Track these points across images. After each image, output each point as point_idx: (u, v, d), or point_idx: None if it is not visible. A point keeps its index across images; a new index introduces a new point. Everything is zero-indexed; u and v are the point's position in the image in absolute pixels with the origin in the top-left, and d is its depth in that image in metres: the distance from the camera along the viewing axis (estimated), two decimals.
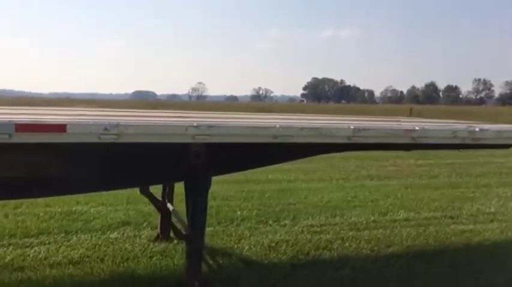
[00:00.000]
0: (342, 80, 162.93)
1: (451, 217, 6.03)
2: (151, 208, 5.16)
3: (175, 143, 2.89)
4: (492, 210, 6.47)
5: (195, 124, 2.89)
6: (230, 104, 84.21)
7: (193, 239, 3.32)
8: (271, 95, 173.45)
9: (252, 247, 4.51)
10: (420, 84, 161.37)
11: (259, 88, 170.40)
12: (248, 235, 4.85)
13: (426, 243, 4.88)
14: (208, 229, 5.02)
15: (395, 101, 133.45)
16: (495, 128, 3.78)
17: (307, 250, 4.51)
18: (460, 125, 3.91)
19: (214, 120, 3.39)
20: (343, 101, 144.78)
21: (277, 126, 3.08)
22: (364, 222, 5.65)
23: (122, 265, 4.01)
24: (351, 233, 5.13)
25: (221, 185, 7.54)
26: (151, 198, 4.64)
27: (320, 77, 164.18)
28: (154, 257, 4.16)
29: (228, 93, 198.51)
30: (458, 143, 3.62)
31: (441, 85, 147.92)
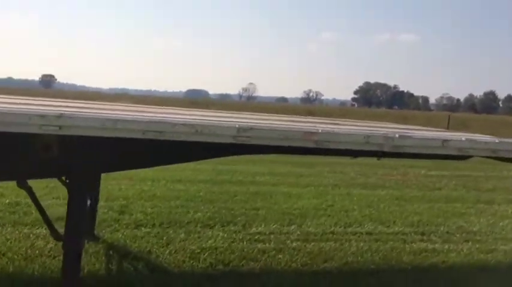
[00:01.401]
0: (395, 85, 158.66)
1: (422, 234, 5.48)
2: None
3: (23, 134, 2.67)
4: (475, 229, 5.84)
5: (42, 113, 2.66)
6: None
7: (69, 241, 3.09)
8: (322, 97, 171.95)
9: (174, 252, 4.22)
10: (479, 93, 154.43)
11: (310, 90, 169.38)
12: (179, 240, 4.57)
13: (369, 261, 4.42)
14: (144, 231, 4.84)
15: (451, 108, 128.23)
16: (420, 135, 3.31)
17: (231, 259, 4.17)
18: (384, 131, 3.46)
19: (81, 110, 3.12)
20: (395, 107, 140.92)
21: (146, 120, 2.80)
22: (320, 233, 5.23)
23: None
24: (294, 244, 4.73)
25: (196, 185, 7.33)
26: (30, 193, 4.31)
27: (372, 81, 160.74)
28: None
29: (279, 95, 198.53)
30: (374, 149, 3.19)
31: (501, 94, 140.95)
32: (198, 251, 4.28)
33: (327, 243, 4.86)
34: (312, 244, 4.81)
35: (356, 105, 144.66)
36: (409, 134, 3.26)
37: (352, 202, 6.96)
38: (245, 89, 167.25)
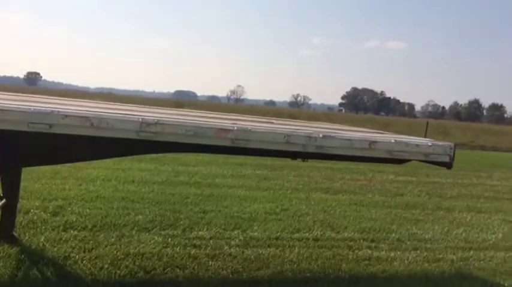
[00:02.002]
0: (382, 92, 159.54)
1: (372, 241, 5.28)
2: None
3: None
4: (428, 236, 5.65)
5: None
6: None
7: None
8: (310, 102, 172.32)
9: (95, 258, 3.94)
10: (463, 101, 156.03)
11: (298, 95, 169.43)
12: (105, 245, 4.29)
13: (305, 269, 4.19)
14: (72, 234, 4.56)
15: (436, 116, 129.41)
16: (345, 136, 3.10)
17: (156, 266, 3.92)
18: (306, 130, 3.24)
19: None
20: (382, 113, 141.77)
21: (32, 111, 2.53)
22: (264, 238, 5.00)
23: None
24: (232, 250, 4.49)
25: (149, 186, 7.06)
26: None
27: (360, 87, 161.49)
28: None
29: (268, 98, 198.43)
30: (297, 150, 2.98)
31: (486, 103, 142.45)
32: (122, 257, 4.01)
33: (268, 249, 4.63)
34: (252, 250, 4.57)
35: (343, 111, 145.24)
36: (334, 135, 3.04)
37: (308, 206, 6.75)
38: (233, 92, 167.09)
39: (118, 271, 3.72)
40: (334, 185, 8.79)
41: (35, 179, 6.82)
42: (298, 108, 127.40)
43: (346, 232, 5.52)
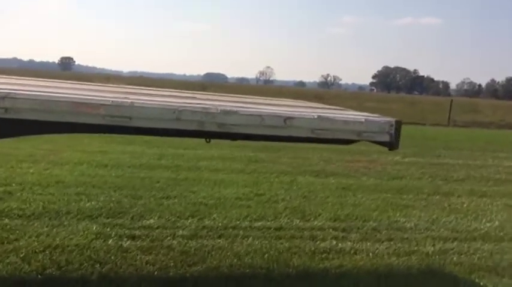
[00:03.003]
0: (415, 70, 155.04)
1: (343, 230, 4.73)
2: None
3: None
4: (410, 225, 5.05)
5: None
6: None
7: None
8: (340, 82, 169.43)
9: (10, 251, 3.56)
10: (501, 78, 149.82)
11: (328, 75, 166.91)
12: (31, 235, 3.90)
13: (247, 264, 3.70)
14: (5, 222, 4.22)
15: (472, 94, 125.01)
16: (251, 111, 2.57)
17: (73, 261, 3.49)
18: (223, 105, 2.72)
19: None
20: (415, 92, 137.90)
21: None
22: (218, 228, 4.53)
23: None
24: (173, 242, 4.04)
25: (122, 170, 6.70)
26: None
27: (392, 65, 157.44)
28: None
29: (297, 79, 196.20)
30: (193, 129, 2.47)
31: None
32: (41, 250, 3.62)
33: (216, 241, 4.17)
34: (197, 241, 4.12)
35: (375, 90, 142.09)
36: (237, 110, 2.52)
37: (288, 191, 6.23)
38: (262, 73, 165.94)
39: (27, 267, 3.34)
40: (329, 168, 8.21)
41: (2, 163, 6.57)
42: (328, 89, 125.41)
43: (318, 220, 4.99)
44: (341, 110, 3.34)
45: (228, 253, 3.87)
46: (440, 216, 5.48)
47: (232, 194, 5.83)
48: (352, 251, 4.12)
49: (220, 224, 4.61)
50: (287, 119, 2.54)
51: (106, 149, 8.21)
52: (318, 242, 4.31)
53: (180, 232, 4.30)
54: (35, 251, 3.58)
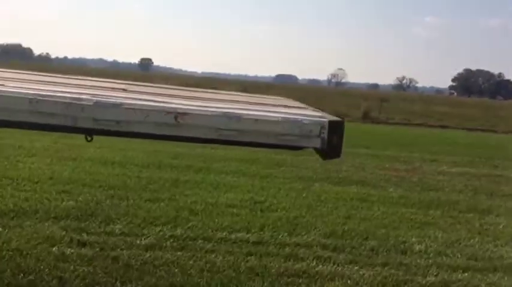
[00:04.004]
0: (500, 74, 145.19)
1: (334, 249, 4.03)
2: None
3: None
4: (419, 247, 4.23)
5: None
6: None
7: None
8: (417, 85, 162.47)
9: None
10: None
11: (403, 77, 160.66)
12: None
13: (192, 285, 3.18)
14: None
15: None
16: (134, 104, 2.05)
17: (3, 268, 3.18)
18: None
19: None
20: (500, 97, 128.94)
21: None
22: (189, 237, 4.02)
23: None
24: (125, 252, 3.61)
25: (126, 168, 6.43)
26: None
27: (474, 68, 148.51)
28: None
29: (371, 81, 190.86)
30: (63, 124, 2.02)
31: None
32: None
33: (175, 254, 3.68)
34: (152, 253, 3.66)
35: (455, 94, 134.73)
36: (114, 102, 2.02)
37: (295, 199, 5.62)
38: (334, 75, 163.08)
39: None
40: (356, 175, 7.46)
41: (14, 155, 6.55)
42: (403, 91, 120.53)
43: (308, 235, 4.35)
44: (289, 108, 2.72)
45: (177, 270, 3.38)
46: (462, 238, 4.62)
47: (228, 199, 5.33)
48: (328, 277, 3.47)
49: (191, 235, 4.13)
50: (179, 115, 2.01)
51: (127, 147, 8.01)
52: (294, 263, 3.70)
53: (141, 241, 3.87)
54: None
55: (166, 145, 8.42)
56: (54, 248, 3.56)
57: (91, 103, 1.99)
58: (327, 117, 2.25)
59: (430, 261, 3.96)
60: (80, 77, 3.55)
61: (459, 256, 4.14)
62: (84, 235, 3.89)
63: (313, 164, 8.04)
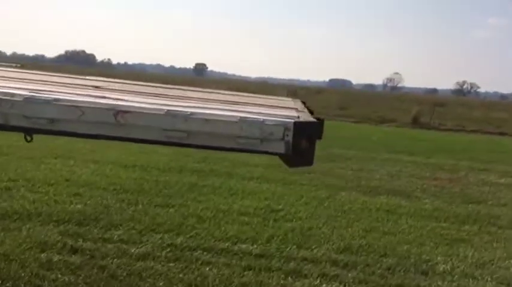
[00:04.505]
0: None
1: (344, 266, 3.65)
2: None
3: None
4: (444, 267, 3.77)
5: None
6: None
7: None
8: (478, 90, 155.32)
9: None
10: None
11: (464, 82, 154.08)
12: None
13: None
14: None
15: None
16: (67, 100, 1.81)
17: None
18: None
19: None
20: None
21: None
22: (188, 247, 3.77)
23: None
24: (114, 261, 3.41)
25: (146, 172, 6.30)
26: None
27: None
28: None
29: (429, 86, 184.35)
30: None
31: None
32: None
33: (167, 265, 3.44)
34: (143, 263, 3.44)
35: None
36: (46, 97, 1.80)
37: (315, 209, 5.25)
38: (390, 79, 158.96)
39: None
40: (390, 184, 6.96)
41: (40, 157, 6.60)
42: (463, 97, 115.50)
43: (319, 249, 3.98)
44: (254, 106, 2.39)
45: (162, 283, 3.14)
46: (497, 258, 4.09)
47: (242, 207, 5.05)
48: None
49: (191, 244, 3.88)
50: (119, 113, 1.76)
51: (154, 150, 7.91)
52: (294, 280, 3.37)
53: (136, 250, 3.67)
54: None
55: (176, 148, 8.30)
56: (43, 254, 3.42)
57: (21, 99, 1.78)
58: (305, 118, 1.93)
59: (454, 284, 3.51)
60: (60, 75, 3.40)
61: (489, 279, 3.65)
62: (80, 241, 3.74)
63: (344, 172, 7.64)
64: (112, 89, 2.61)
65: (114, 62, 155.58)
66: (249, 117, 1.79)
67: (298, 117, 2.03)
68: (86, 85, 2.64)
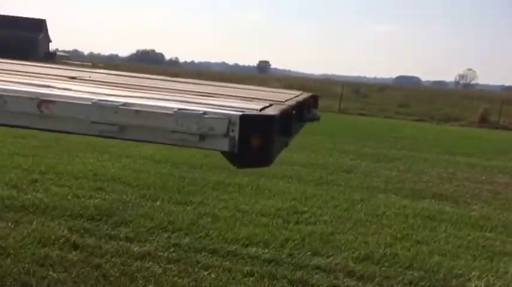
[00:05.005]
0: None
1: (360, 277, 3.30)
2: None
3: None
4: (477, 284, 3.30)
5: None
6: None
7: None
8: None
9: None
10: None
11: None
12: None
13: None
14: None
15: None
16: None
17: None
18: None
19: None
20: None
21: None
22: (194, 249, 3.57)
23: None
24: (112, 260, 3.27)
25: (176, 167, 6.19)
26: None
27: None
28: None
29: (506, 83, 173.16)
30: None
31: None
32: None
33: (165, 266, 3.25)
34: (141, 263, 3.27)
35: None
36: None
37: (344, 212, 4.88)
38: (462, 76, 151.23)
39: None
40: (438, 188, 6.39)
41: (76, 150, 6.70)
42: None
43: (336, 257, 3.63)
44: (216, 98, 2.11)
45: (151, 286, 2.96)
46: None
47: (265, 207, 4.78)
48: None
49: (198, 245, 3.67)
50: (43, 103, 1.57)
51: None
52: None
53: (139, 249, 3.52)
54: None
55: None
56: (42, 250, 3.35)
57: None
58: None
59: None
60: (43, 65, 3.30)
61: None
62: (85, 237, 3.65)
63: (389, 173, 7.14)
64: (85, 79, 2.44)
65: (181, 60, 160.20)
66: (186, 110, 1.54)
67: (260, 110, 1.75)
68: (63, 75, 2.49)
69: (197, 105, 1.68)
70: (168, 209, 4.49)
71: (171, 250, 3.55)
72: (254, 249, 3.69)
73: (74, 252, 3.40)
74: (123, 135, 1.59)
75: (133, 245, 3.58)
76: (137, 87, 2.24)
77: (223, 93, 2.37)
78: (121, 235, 3.77)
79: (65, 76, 2.48)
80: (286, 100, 2.34)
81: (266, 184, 5.70)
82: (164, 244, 3.65)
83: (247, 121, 1.54)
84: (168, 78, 3.34)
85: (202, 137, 1.53)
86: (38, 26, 47.18)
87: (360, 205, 5.16)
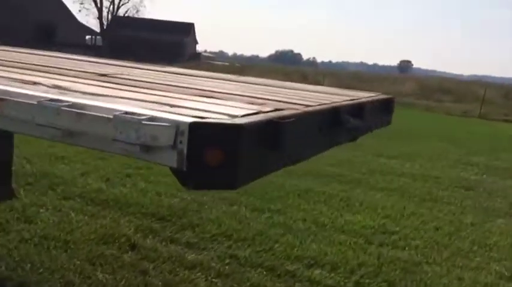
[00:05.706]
0: None
1: None
2: None
3: None
4: None
5: None
6: None
7: None
8: None
9: None
10: None
11: None
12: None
13: None
14: None
15: None
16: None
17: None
18: None
19: None
20: None
21: None
22: (254, 264, 3.28)
23: None
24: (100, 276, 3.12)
25: None
26: None
27: None
28: None
29: None
30: None
31: None
32: None
33: (199, 278, 3.01)
34: (163, 267, 3.08)
35: None
36: None
37: (444, 238, 4.14)
38: None
39: None
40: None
41: None
42: None
43: (349, 273, 3.03)
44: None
45: None
46: None
47: (349, 223, 4.26)
48: None
49: (256, 259, 3.33)
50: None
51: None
52: None
53: (192, 256, 3.32)
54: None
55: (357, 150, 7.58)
56: (99, 248, 3.34)
57: None
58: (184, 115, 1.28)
59: None
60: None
61: None
62: (147, 239, 3.57)
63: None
64: (119, 77, 2.28)
65: (319, 60, 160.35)
66: (126, 115, 1.24)
67: (242, 116, 1.37)
68: (92, 72, 2.37)
69: (154, 108, 1.38)
70: (241, 215, 4.25)
71: (226, 262, 3.29)
72: (317, 272, 3.26)
73: (129, 253, 3.33)
74: (65, 140, 1.36)
75: (189, 252, 3.40)
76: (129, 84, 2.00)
77: (229, 91, 2.02)
78: (183, 239, 3.63)
79: (93, 73, 2.36)
80: (319, 104, 1.90)
81: (359, 196, 5.16)
82: (221, 254, 3.42)
83: (200, 130, 1.20)
84: (198, 72, 3.04)
85: (146, 148, 1.22)
86: (187, 30, 50.83)
87: (467, 231, 4.36)
